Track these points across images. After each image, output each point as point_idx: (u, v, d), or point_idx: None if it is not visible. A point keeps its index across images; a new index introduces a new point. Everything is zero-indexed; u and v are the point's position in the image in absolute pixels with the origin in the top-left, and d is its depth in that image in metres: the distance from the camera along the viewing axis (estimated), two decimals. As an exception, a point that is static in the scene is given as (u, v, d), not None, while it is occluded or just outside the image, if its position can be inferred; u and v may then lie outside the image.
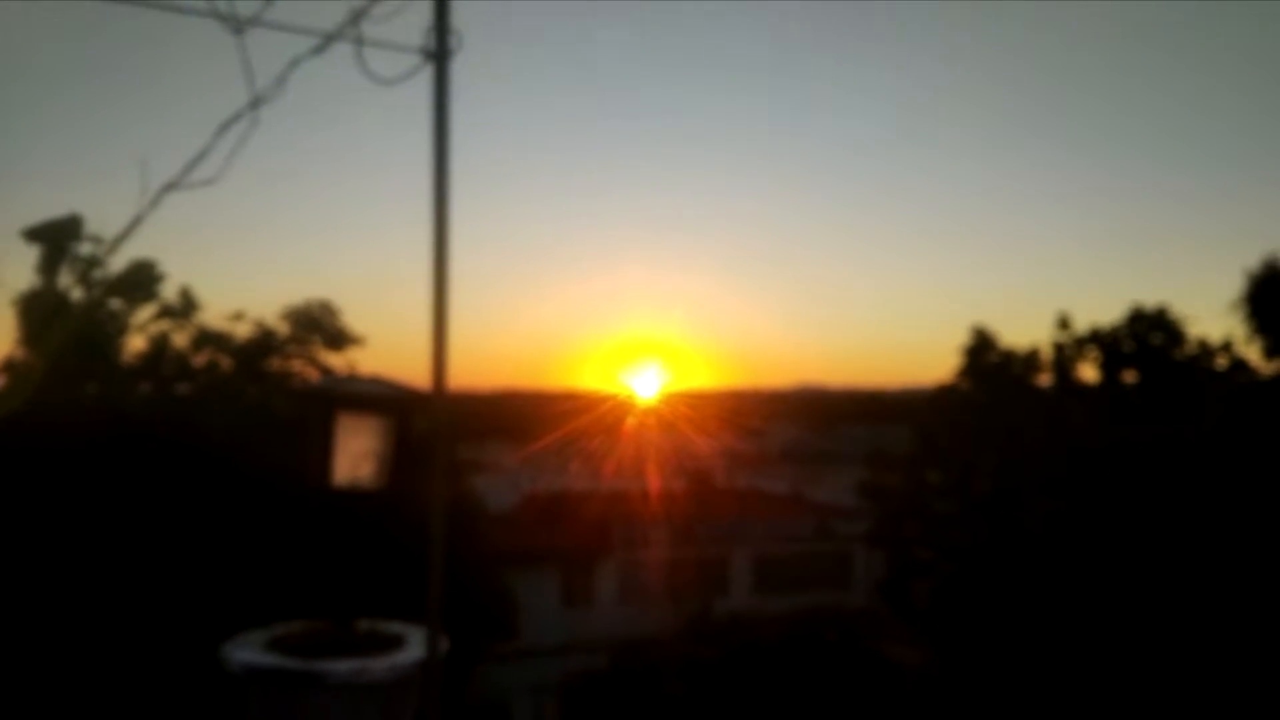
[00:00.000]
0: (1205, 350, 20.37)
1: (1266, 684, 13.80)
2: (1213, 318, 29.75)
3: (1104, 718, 15.03)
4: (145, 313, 16.20)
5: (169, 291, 16.44)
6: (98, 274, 14.99)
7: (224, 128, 3.28)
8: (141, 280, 15.55)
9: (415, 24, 3.47)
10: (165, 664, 11.51)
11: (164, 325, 16.55)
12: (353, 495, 3.98)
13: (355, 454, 3.96)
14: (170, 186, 3.29)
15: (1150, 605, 15.04)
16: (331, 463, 3.96)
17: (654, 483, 26.25)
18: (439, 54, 3.49)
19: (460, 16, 3.55)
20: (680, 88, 54.27)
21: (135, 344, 16.40)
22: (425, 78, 3.51)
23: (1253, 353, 19.26)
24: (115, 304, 15.78)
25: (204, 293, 16.95)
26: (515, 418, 29.03)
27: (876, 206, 65.95)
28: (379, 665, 3.89)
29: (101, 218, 13.60)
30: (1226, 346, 20.11)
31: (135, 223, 3.33)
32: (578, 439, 23.88)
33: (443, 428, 3.43)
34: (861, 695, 17.70)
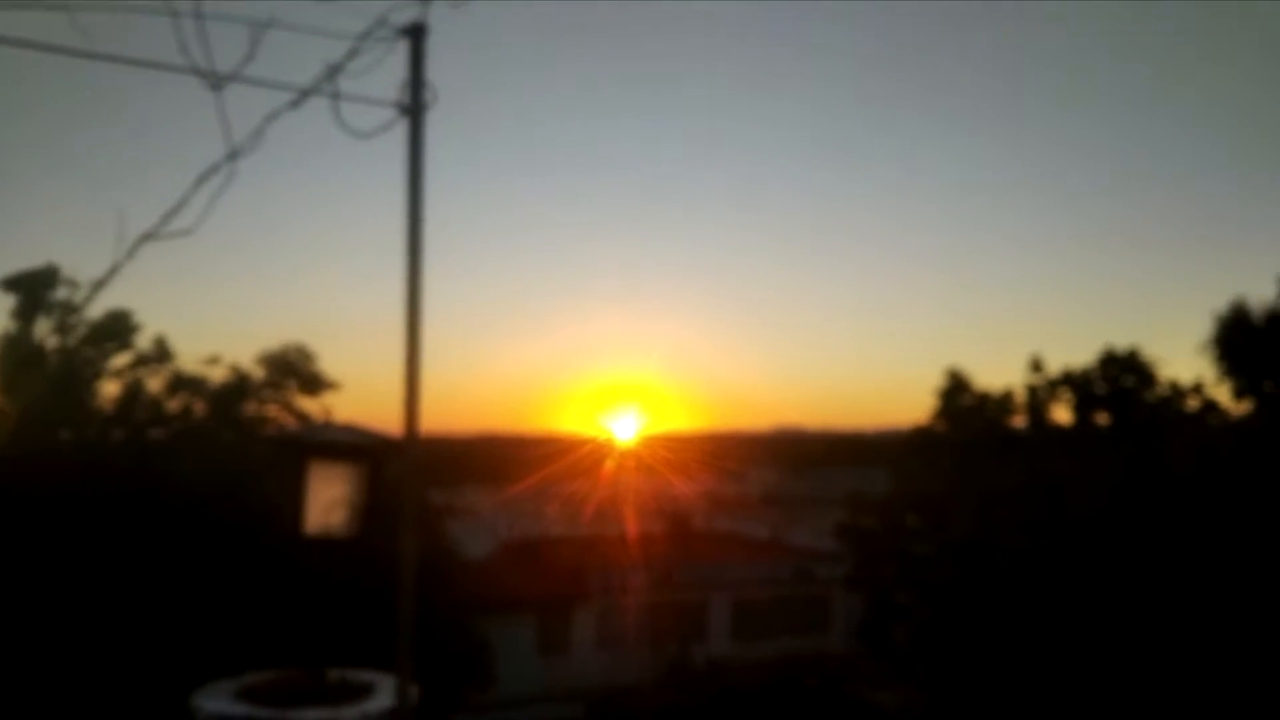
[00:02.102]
0: (1176, 392, 20.62)
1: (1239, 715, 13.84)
2: (1183, 360, 30.14)
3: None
4: (120, 360, 16.15)
5: (144, 340, 16.41)
6: (74, 321, 14.96)
7: (201, 179, 3.34)
8: (117, 329, 15.53)
9: (390, 79, 3.55)
10: (134, 713, 11.32)
11: (139, 372, 16.49)
12: (325, 543, 3.99)
13: (327, 502, 3.97)
14: (148, 236, 3.33)
15: (1126, 642, 15.08)
16: (304, 511, 3.97)
17: (632, 527, 26.14)
18: (414, 108, 3.57)
19: (435, 71, 3.63)
20: (657, 136, 54.83)
21: (109, 389, 16.32)
22: (400, 130, 3.58)
23: (1222, 394, 19.52)
24: (90, 351, 15.72)
25: (180, 342, 16.93)
26: (492, 462, 28.89)
27: (851, 251, 66.54)
28: (349, 714, 3.88)
29: (79, 267, 13.64)
30: (1197, 388, 20.37)
31: (112, 272, 3.37)
32: (555, 483, 23.81)
33: (412, 476, 3.46)
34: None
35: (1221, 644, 14.32)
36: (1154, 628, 14.87)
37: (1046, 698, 15.71)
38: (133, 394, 16.44)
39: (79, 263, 13.94)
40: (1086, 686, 15.16)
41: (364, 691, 4.05)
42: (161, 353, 16.52)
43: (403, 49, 3.55)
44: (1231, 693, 13.97)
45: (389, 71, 3.50)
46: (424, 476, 3.57)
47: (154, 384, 16.78)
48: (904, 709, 19.01)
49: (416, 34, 3.59)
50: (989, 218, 57.60)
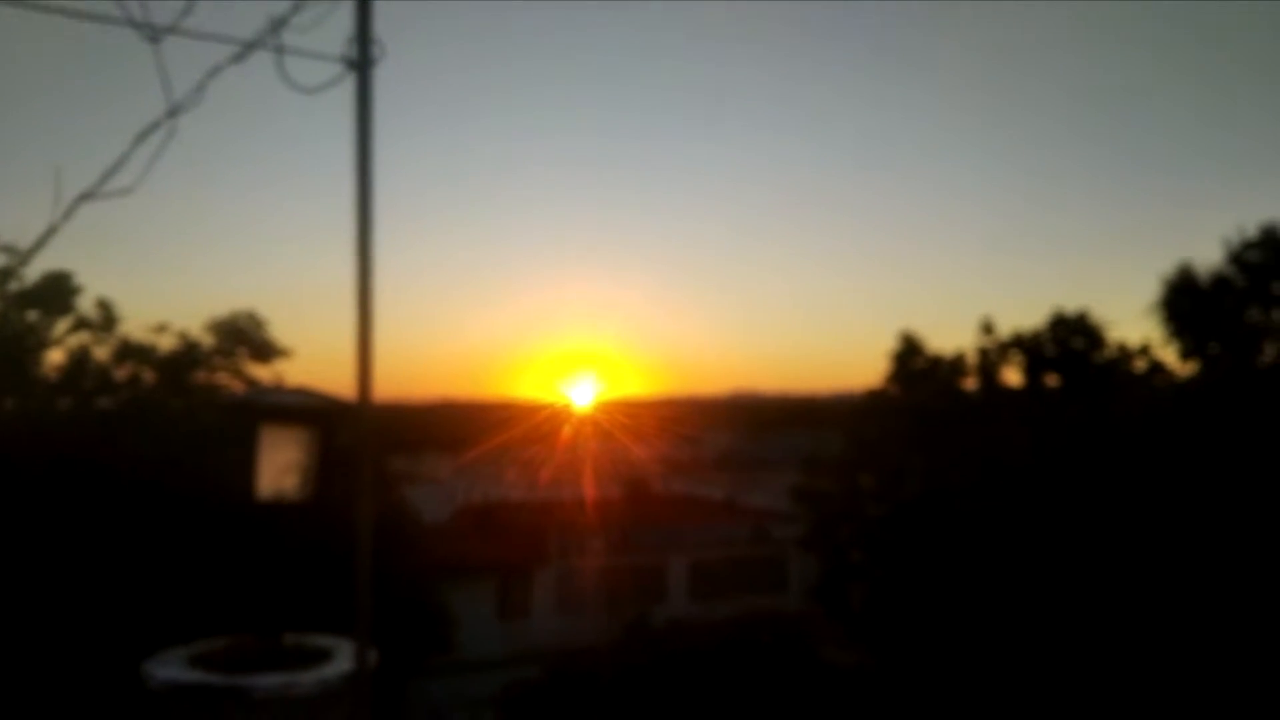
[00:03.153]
0: (1124, 353, 20.98)
1: (1187, 675, 14.23)
2: (1131, 322, 30.69)
3: (1034, 711, 15.36)
4: (63, 325, 15.80)
5: (86, 304, 16.06)
6: (11, 285, 14.58)
7: (141, 137, 3.23)
8: (57, 292, 15.16)
9: (337, 32, 3.45)
10: (85, 682, 11.20)
11: (84, 338, 16.15)
12: (277, 508, 3.94)
13: (279, 466, 3.92)
14: (86, 196, 3.23)
15: (1075, 600, 15.42)
16: (255, 476, 3.91)
17: (590, 491, 26.22)
18: (361, 63, 3.48)
19: (383, 25, 3.54)
20: (611, 98, 54.44)
21: (54, 358, 15.99)
22: (348, 86, 3.49)
23: (1170, 355, 19.89)
24: (32, 317, 15.36)
25: (125, 305, 16.61)
26: (450, 428, 28.80)
27: (804, 215, 66.79)
28: (306, 679, 3.85)
29: (14, 230, 13.22)
30: (1145, 350, 20.74)
31: (49, 233, 3.26)
32: (513, 449, 23.78)
33: (368, 437, 3.41)
34: (797, 696, 17.84)
35: (1170, 599, 14.68)
36: (1103, 584, 15.21)
37: (997, 655, 16.05)
38: (79, 362, 16.12)
39: (14, 225, 13.52)
40: (1037, 644, 15.50)
41: (321, 657, 4.02)
42: (107, 319, 16.19)
43: (349, 3, 3.46)
44: (1181, 647, 14.35)
45: (336, 25, 3.41)
46: (380, 440, 3.53)
47: (101, 352, 16.47)
48: (859, 667, 19.32)
49: (364, -13, 3.49)
50: (941, 181, 58.05)
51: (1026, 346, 21.28)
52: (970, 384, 21.74)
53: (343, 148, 3.52)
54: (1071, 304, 21.45)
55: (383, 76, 3.55)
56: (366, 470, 3.54)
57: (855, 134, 55.90)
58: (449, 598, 18.98)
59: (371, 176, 3.57)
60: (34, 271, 15.06)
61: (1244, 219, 18.80)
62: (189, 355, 16.92)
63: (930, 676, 17.23)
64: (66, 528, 12.19)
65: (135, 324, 16.63)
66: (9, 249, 13.44)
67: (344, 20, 3.42)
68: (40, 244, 3.31)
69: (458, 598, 20.24)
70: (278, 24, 3.29)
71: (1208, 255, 18.91)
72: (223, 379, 17.24)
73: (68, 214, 3.19)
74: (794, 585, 27.73)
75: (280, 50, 3.30)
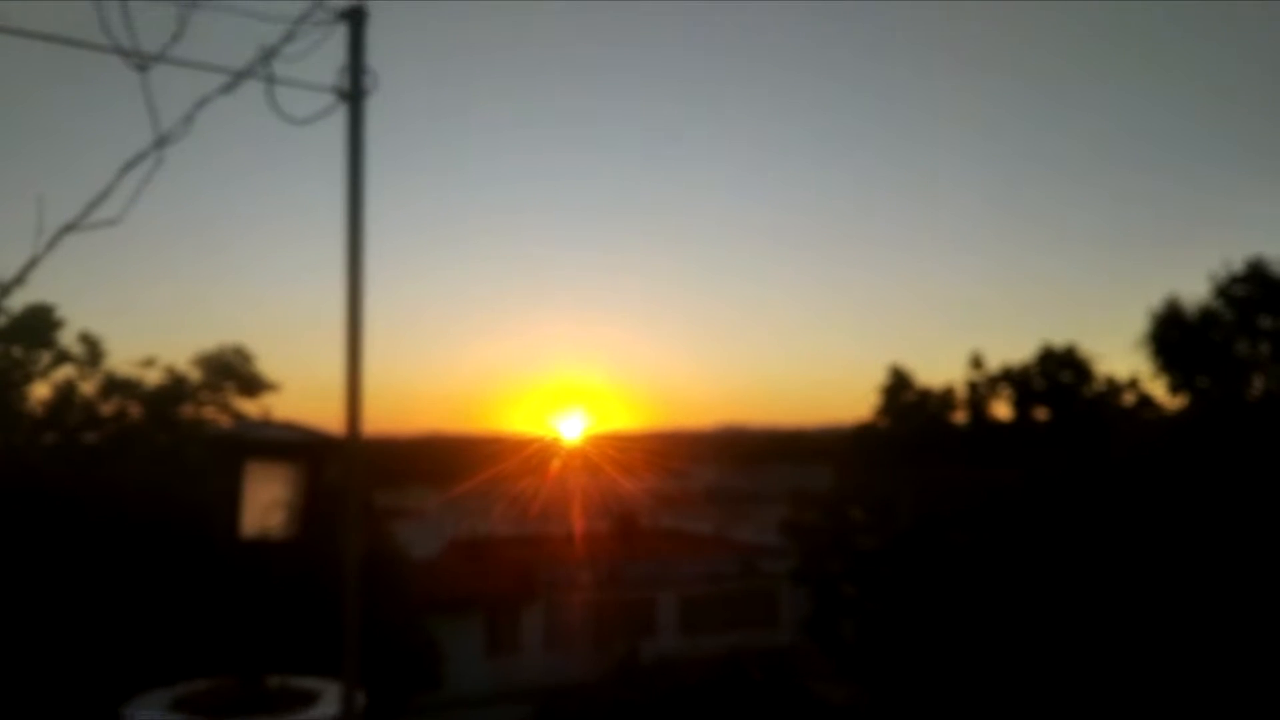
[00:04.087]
0: (1113, 387, 21.05)
1: (1179, 709, 14.13)
2: (1120, 356, 30.82)
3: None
4: (44, 359, 15.67)
5: (69, 338, 15.95)
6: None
7: (127, 167, 3.17)
8: (38, 325, 15.04)
9: (329, 63, 3.41)
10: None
11: (69, 372, 16.03)
12: (263, 545, 3.85)
13: (265, 503, 3.83)
14: (70, 227, 3.16)
15: (1067, 632, 15.32)
16: (240, 512, 3.82)
17: (579, 526, 26.07)
18: (353, 94, 3.44)
19: (375, 56, 3.51)
20: (602, 133, 54.76)
21: (39, 392, 15.85)
22: (339, 117, 3.45)
23: (1158, 389, 19.95)
24: (16, 351, 15.23)
25: (110, 339, 16.50)
26: (438, 463, 28.64)
27: (791, 248, 67.12)
28: (291, 723, 3.74)
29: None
30: (1133, 383, 20.83)
31: (31, 265, 3.19)
32: (501, 483, 23.64)
33: (356, 473, 3.34)
34: (789, 734, 17.65)
35: (1163, 631, 14.61)
36: (1096, 616, 15.13)
37: (990, 688, 15.92)
38: (65, 397, 15.98)
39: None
40: (1029, 677, 15.38)
41: (306, 699, 3.92)
42: (92, 353, 16.08)
43: (342, 32, 3.43)
44: (1174, 677, 14.25)
45: (327, 56, 3.37)
46: (368, 475, 3.45)
47: (87, 387, 16.34)
48: (851, 702, 19.14)
49: (356, 17, 3.46)
50: (930, 217, 58.46)
51: (1015, 380, 21.35)
52: (960, 417, 21.77)
53: (333, 179, 3.48)
54: (1060, 338, 21.57)
55: (374, 107, 3.51)
56: (354, 506, 3.46)
57: (846, 168, 56.33)
58: (437, 634, 18.74)
59: (363, 208, 3.52)
60: (16, 304, 14.95)
61: (1231, 254, 18.94)
62: (176, 390, 16.80)
63: (923, 711, 17.07)
64: (49, 565, 12.00)
65: (121, 358, 16.53)
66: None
67: (336, 50, 3.39)
68: (22, 276, 3.24)
69: (445, 634, 20.00)
70: (268, 54, 3.25)
71: (1196, 290, 19.02)
72: (210, 413, 17.11)
73: (51, 245, 3.13)
74: (784, 619, 27.51)
75: (271, 80, 3.26)
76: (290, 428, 4.14)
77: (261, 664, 3.98)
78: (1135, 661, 14.70)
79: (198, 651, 5.19)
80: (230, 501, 3.81)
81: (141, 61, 3.06)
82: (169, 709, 3.82)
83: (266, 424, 5.79)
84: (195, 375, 17.12)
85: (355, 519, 3.44)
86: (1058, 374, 21.24)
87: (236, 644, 3.95)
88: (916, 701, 17.36)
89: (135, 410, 16.57)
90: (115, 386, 16.41)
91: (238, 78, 3.27)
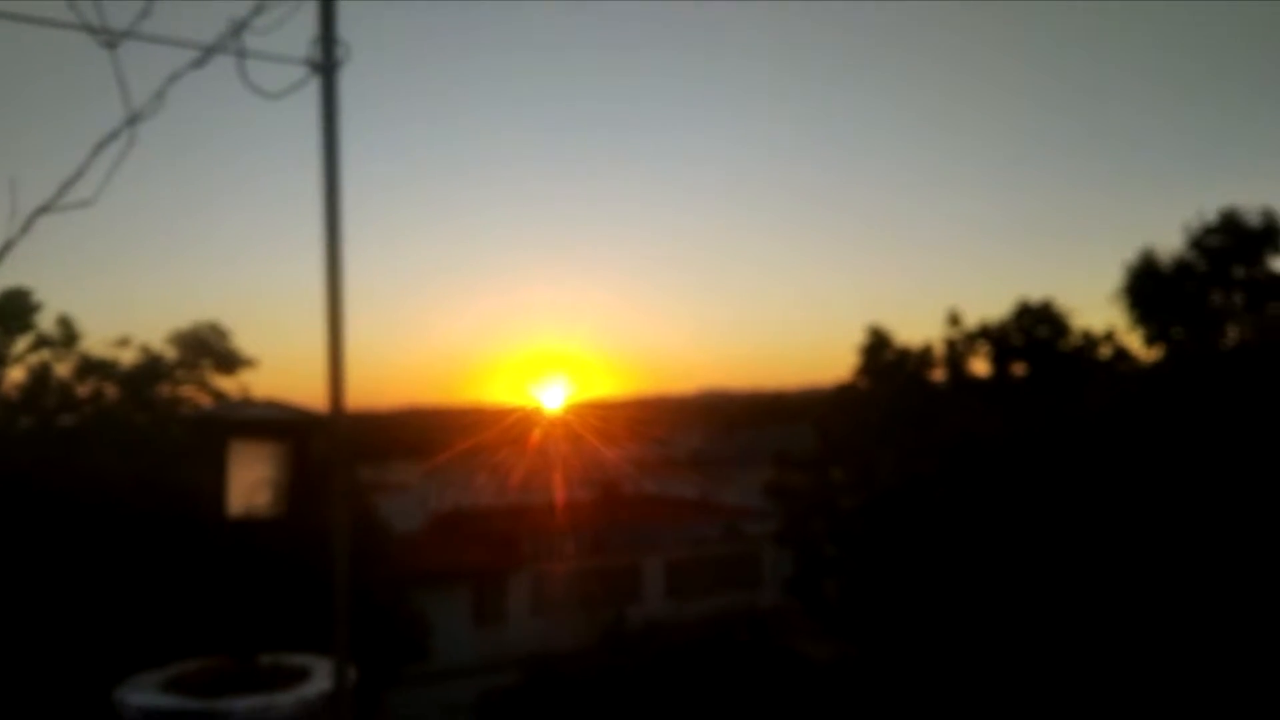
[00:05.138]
0: (1089, 341, 21.20)
1: (1165, 658, 14.38)
2: (1096, 309, 31.08)
3: (1010, 700, 15.46)
4: (22, 344, 15.50)
5: (46, 320, 15.78)
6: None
7: (100, 146, 3.12)
8: (16, 310, 14.87)
9: (300, 35, 3.36)
10: (56, 712, 10.96)
11: (44, 355, 15.87)
12: (250, 525, 3.83)
13: (250, 482, 3.81)
14: (43, 209, 3.11)
15: (1050, 585, 15.54)
16: (225, 492, 3.80)
17: (562, 494, 26.15)
18: (325, 66, 3.38)
19: (347, 26, 3.45)
20: (577, 98, 54.32)
21: (14, 376, 15.69)
22: (312, 90, 3.40)
23: (1134, 341, 20.13)
24: (-11, 335, 15.06)
25: (86, 320, 16.34)
26: (420, 436, 28.60)
27: (769, 211, 67.03)
28: (284, 701, 3.75)
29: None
30: (1109, 336, 20.98)
31: (6, 248, 3.14)
32: (484, 454, 23.66)
33: (341, 449, 3.33)
34: (775, 691, 17.87)
35: (1145, 581, 14.83)
36: (1078, 568, 15.34)
37: (975, 643, 16.14)
38: (40, 379, 15.83)
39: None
40: (1014, 630, 15.61)
41: (298, 676, 3.92)
42: (68, 335, 15.92)
43: (311, 4, 3.37)
44: (1158, 629, 14.50)
45: (299, 27, 3.31)
46: (352, 451, 3.44)
47: (62, 368, 16.18)
48: (835, 660, 19.37)
49: (326, -12, 3.40)
50: (904, 174, 58.49)
51: (993, 336, 21.46)
52: (939, 375, 21.89)
53: (308, 152, 3.43)
54: (1036, 293, 21.68)
55: (348, 78, 3.46)
56: (341, 483, 3.45)
57: (818, 128, 56.19)
58: (424, 606, 18.82)
59: (339, 181, 3.48)
60: None
61: (1205, 205, 19.07)
62: (152, 369, 16.67)
63: (908, 667, 17.30)
64: (31, 550, 11.93)
65: (97, 339, 16.38)
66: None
67: (307, 22, 3.33)
68: (-3, 260, 3.18)
69: (432, 605, 20.09)
70: (238, 27, 3.19)
71: (1169, 241, 19.15)
72: (187, 392, 17.00)
73: (25, 228, 3.08)
74: (769, 581, 27.78)
75: (242, 54, 3.20)
76: (273, 406, 4.12)
77: (253, 642, 3.99)
78: (1116, 611, 14.94)
79: (189, 632, 5.18)
80: (215, 481, 3.79)
81: (110, 38, 3.00)
82: (161, 690, 3.82)
83: (250, 403, 5.77)
84: (171, 354, 16.99)
85: (343, 495, 3.43)
86: (1034, 329, 21.37)
87: (227, 623, 3.95)
88: (902, 657, 17.59)
89: (112, 391, 16.44)
90: (91, 368, 16.27)
91: (208, 52, 3.21)
